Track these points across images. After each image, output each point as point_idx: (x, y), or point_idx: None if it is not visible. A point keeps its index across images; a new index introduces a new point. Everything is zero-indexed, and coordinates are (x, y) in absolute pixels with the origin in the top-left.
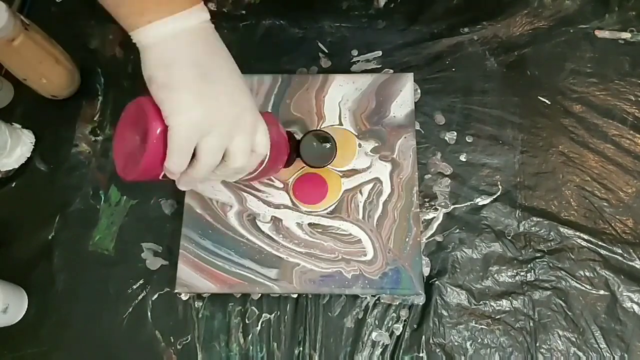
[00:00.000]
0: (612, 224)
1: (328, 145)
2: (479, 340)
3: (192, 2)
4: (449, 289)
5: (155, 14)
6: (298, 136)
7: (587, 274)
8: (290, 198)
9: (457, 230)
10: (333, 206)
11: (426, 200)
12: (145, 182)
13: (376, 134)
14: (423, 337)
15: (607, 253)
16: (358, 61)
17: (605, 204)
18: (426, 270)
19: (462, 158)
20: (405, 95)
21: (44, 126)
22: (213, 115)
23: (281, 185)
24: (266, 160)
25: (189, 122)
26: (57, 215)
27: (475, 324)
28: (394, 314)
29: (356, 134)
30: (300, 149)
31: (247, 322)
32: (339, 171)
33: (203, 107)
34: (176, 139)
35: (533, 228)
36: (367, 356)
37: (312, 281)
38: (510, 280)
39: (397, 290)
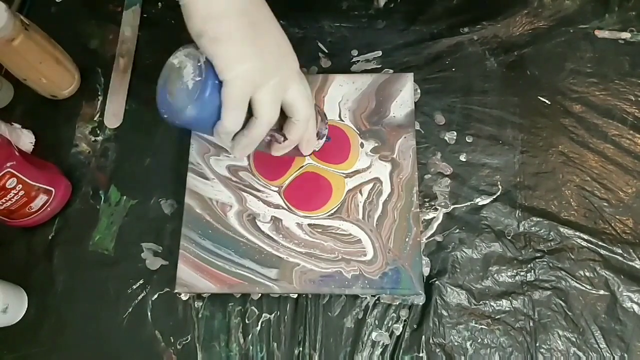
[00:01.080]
0: (612, 224)
1: None
2: (479, 340)
3: None
4: (449, 289)
5: None
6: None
7: (587, 274)
8: (286, 204)
9: (457, 230)
10: (335, 209)
11: (426, 200)
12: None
13: (376, 134)
14: (423, 337)
15: (607, 253)
16: (358, 61)
17: (605, 204)
18: (426, 270)
19: (462, 158)
20: (405, 95)
21: (43, 126)
22: (267, 65)
23: (275, 189)
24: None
25: (245, 74)
26: (57, 215)
27: (475, 324)
28: (393, 314)
29: (358, 134)
30: None
31: (247, 322)
32: (343, 173)
33: (257, 58)
34: (233, 92)
35: (533, 228)
36: (367, 356)
37: (312, 281)
38: (510, 280)
39: (397, 290)
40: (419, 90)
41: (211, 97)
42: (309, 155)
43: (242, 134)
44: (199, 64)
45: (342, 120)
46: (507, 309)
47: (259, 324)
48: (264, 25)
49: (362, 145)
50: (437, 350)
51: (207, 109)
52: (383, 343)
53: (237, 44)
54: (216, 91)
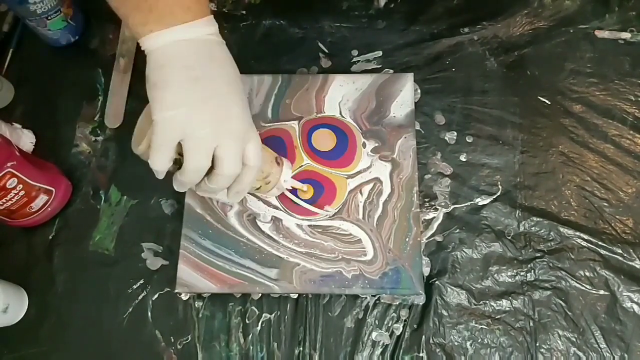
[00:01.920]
0: (612, 224)
1: None
2: (479, 340)
3: (195, 16)
4: (449, 289)
5: (156, 25)
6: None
7: (587, 274)
8: (283, 208)
9: (457, 230)
10: (336, 210)
11: (426, 200)
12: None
13: (376, 134)
14: (423, 337)
15: (607, 253)
16: (358, 61)
17: (605, 204)
18: (426, 270)
19: (462, 158)
20: (405, 95)
21: (44, 126)
22: (198, 115)
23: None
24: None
25: (172, 118)
26: (57, 215)
27: (475, 323)
28: (394, 314)
29: (361, 133)
30: None
31: (247, 322)
32: (345, 174)
33: (188, 106)
34: (157, 134)
35: (533, 228)
36: (367, 356)
37: (312, 281)
38: (510, 280)
39: (397, 290)
40: (419, 90)
41: None
42: (234, 202)
43: (178, 173)
44: None
45: (344, 117)
46: (507, 309)
47: (259, 323)
48: (209, 80)
49: (364, 145)
50: (437, 350)
51: None
52: (383, 343)
53: (171, 92)
54: None
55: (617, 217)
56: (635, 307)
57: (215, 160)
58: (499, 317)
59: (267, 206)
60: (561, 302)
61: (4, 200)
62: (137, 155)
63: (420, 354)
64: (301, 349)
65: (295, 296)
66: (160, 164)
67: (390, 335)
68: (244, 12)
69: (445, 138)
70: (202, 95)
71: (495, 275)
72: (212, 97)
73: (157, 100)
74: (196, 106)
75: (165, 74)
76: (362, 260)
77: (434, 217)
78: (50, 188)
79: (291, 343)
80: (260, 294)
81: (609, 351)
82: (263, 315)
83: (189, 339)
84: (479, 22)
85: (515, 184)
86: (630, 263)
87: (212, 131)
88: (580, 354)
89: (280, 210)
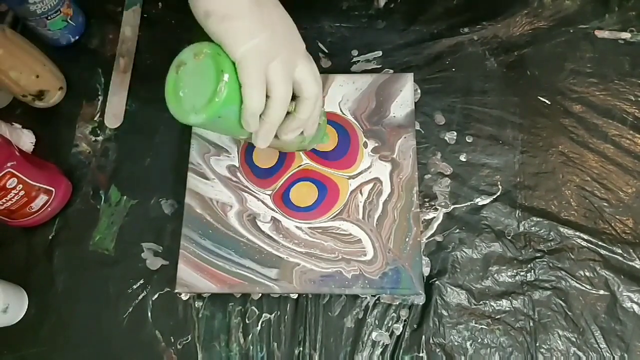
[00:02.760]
0: (612, 224)
1: None
2: (479, 340)
3: None
4: (449, 289)
5: None
6: None
7: (587, 274)
8: (279, 211)
9: (457, 230)
10: (338, 211)
11: (426, 200)
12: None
13: (376, 134)
14: (423, 337)
15: (607, 253)
16: (358, 61)
17: (605, 204)
18: (426, 270)
19: (462, 158)
20: (405, 95)
21: (44, 126)
22: (275, 40)
23: (269, 192)
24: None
25: (256, 47)
26: (57, 215)
27: (475, 323)
28: (394, 314)
29: (362, 132)
30: None
31: (247, 322)
32: (347, 175)
33: (266, 33)
34: (247, 67)
35: (533, 228)
36: (367, 356)
37: (312, 281)
38: (510, 280)
39: (397, 290)
40: (419, 90)
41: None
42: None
43: (262, 120)
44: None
45: (345, 115)
46: (507, 309)
47: (259, 323)
48: (269, 5)
49: (365, 145)
50: (437, 350)
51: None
52: (383, 343)
53: (245, 20)
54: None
55: (617, 217)
56: (635, 307)
57: (297, 86)
58: (499, 317)
59: (266, 206)
60: (561, 302)
61: (4, 200)
62: (137, 155)
63: (420, 354)
64: (301, 349)
65: (295, 296)
66: (258, 100)
67: (390, 335)
68: None
69: (445, 138)
70: (270, 19)
71: (495, 275)
72: (277, 20)
73: (237, 31)
74: (270, 30)
75: (234, 3)
76: (362, 260)
77: (434, 217)
78: (50, 188)
79: (291, 343)
80: (260, 294)
81: (609, 351)
82: (263, 315)
83: (189, 339)
84: (479, 22)
85: (515, 184)
86: (630, 263)
87: (289, 55)
88: (580, 354)
89: (277, 212)
